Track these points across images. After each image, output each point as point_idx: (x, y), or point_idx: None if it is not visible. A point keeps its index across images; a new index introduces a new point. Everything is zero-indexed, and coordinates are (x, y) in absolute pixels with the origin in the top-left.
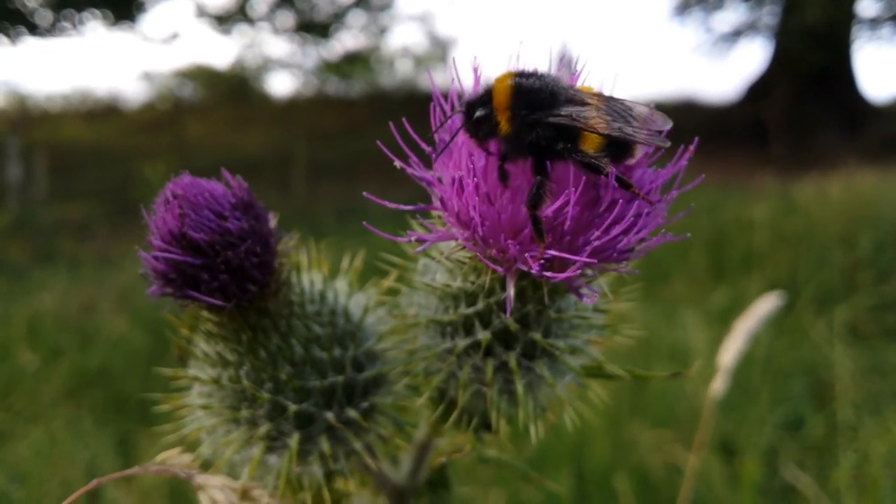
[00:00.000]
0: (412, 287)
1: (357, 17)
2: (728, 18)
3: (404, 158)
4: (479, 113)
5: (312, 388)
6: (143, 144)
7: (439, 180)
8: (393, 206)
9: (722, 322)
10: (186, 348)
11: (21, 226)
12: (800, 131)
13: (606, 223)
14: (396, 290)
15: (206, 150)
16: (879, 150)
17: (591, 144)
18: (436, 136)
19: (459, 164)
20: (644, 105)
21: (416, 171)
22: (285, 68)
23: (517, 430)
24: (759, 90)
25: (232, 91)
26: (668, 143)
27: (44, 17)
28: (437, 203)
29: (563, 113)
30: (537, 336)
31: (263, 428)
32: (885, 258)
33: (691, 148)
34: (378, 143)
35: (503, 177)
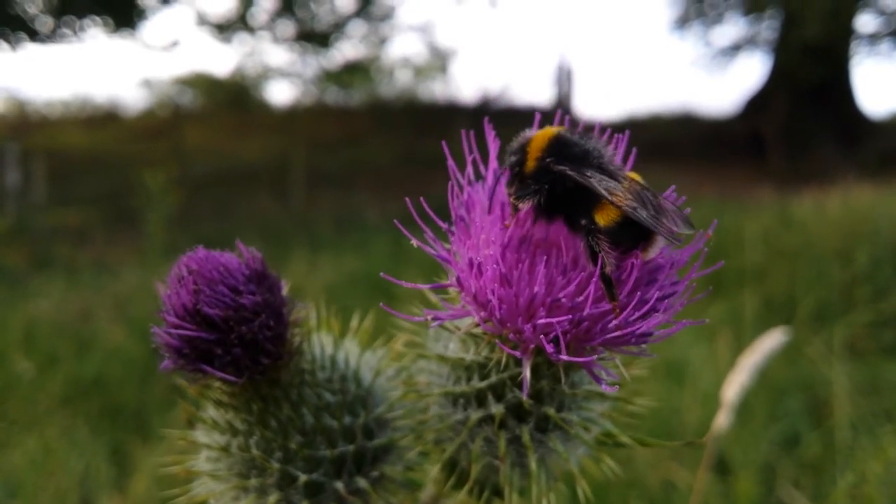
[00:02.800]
0: (423, 353)
1: (357, 27)
2: (727, 33)
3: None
4: (514, 148)
5: (323, 458)
6: (142, 151)
7: (455, 256)
8: (410, 285)
9: (718, 337)
10: (195, 413)
11: (19, 232)
12: (798, 146)
13: (629, 308)
14: (406, 354)
15: (205, 157)
16: (877, 166)
17: (605, 217)
18: (452, 212)
19: (477, 246)
20: (672, 204)
21: (433, 249)
22: (285, 77)
23: (527, 499)
24: (758, 104)
25: (232, 99)
26: (679, 241)
27: (44, 23)
28: (453, 281)
29: (587, 173)
30: (551, 411)
31: (273, 497)
32: (882, 274)
33: (709, 232)
34: (395, 221)
35: (514, 211)
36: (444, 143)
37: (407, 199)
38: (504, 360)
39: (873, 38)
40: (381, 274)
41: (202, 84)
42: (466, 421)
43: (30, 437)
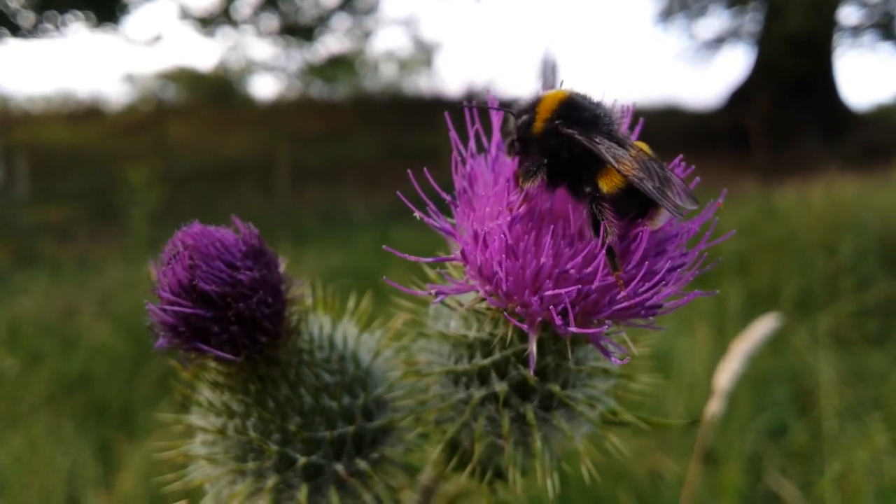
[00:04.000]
0: (423, 331)
1: (341, 21)
2: (711, 25)
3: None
4: (523, 107)
5: (322, 439)
6: (125, 147)
7: (459, 230)
8: (414, 258)
9: (703, 327)
10: (189, 395)
11: (1, 228)
12: (781, 138)
13: (636, 280)
14: (405, 333)
15: (188, 152)
16: (860, 157)
17: (609, 183)
18: (455, 185)
19: (481, 218)
20: (679, 178)
21: (435, 220)
22: (269, 71)
23: (530, 478)
24: (741, 97)
25: (215, 93)
26: (682, 216)
27: (26, 18)
28: (457, 254)
29: (595, 139)
30: (556, 388)
31: (271, 480)
32: (866, 265)
33: (720, 201)
34: (399, 193)
35: (525, 194)
36: (446, 114)
37: (409, 172)
38: (508, 336)
39: (856, 31)
40: (385, 278)
41: (185, 79)
42: (469, 400)
43: (15, 434)
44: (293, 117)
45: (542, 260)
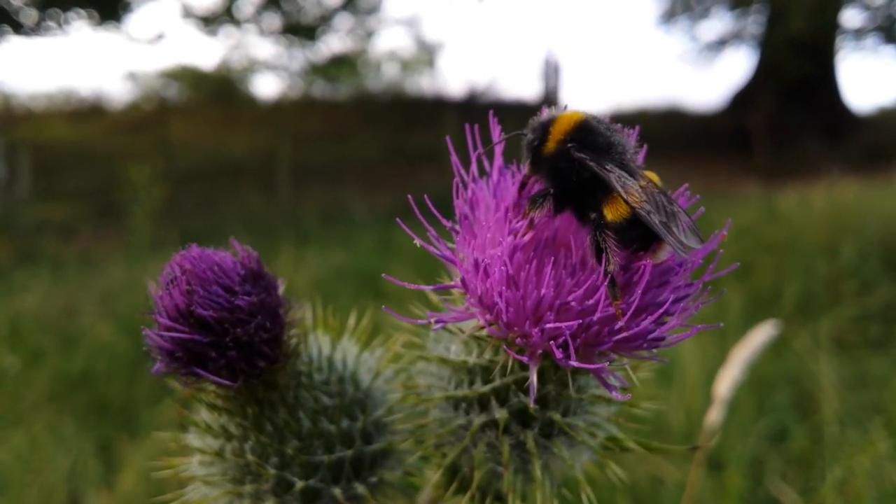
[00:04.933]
0: (424, 355)
1: (344, 20)
2: (713, 27)
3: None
4: (537, 125)
5: (320, 463)
6: (127, 145)
7: (459, 256)
8: (413, 286)
9: (707, 331)
10: (187, 416)
11: (3, 226)
12: (783, 140)
13: (632, 309)
14: (405, 354)
15: (190, 151)
16: (862, 160)
17: (615, 212)
18: (456, 210)
19: (483, 245)
20: (686, 214)
21: (437, 248)
22: (271, 70)
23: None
24: (744, 99)
25: (217, 92)
26: (688, 256)
27: (29, 16)
28: (457, 282)
29: (606, 166)
30: (557, 417)
31: (269, 503)
32: (868, 269)
33: (724, 233)
34: (398, 220)
35: (530, 222)
36: (448, 138)
37: (409, 197)
38: (509, 363)
39: (859, 33)
40: (384, 275)
41: (188, 77)
42: (468, 426)
43: (16, 433)
44: (295, 117)
45: (543, 291)
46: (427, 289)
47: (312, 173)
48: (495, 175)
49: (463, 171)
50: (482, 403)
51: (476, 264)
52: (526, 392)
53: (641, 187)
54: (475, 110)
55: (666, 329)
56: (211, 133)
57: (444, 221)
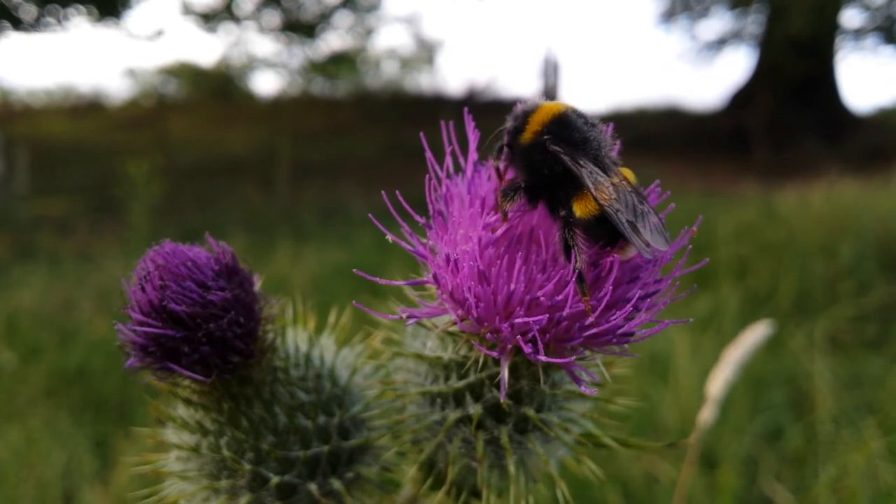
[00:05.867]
0: (401, 351)
1: (343, 18)
2: (713, 27)
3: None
4: (516, 113)
5: (296, 459)
6: (125, 141)
7: (432, 251)
8: (386, 282)
9: (703, 330)
10: (164, 412)
11: (1, 221)
12: (782, 140)
13: (602, 305)
14: (384, 351)
15: (189, 147)
16: (861, 160)
17: (583, 208)
18: (430, 206)
19: (455, 241)
20: (658, 218)
21: (410, 243)
22: (271, 67)
23: (505, 500)
24: (743, 98)
25: (217, 89)
26: (651, 258)
27: (28, 11)
28: (430, 278)
29: (580, 161)
30: (530, 412)
31: (244, 499)
32: (865, 269)
33: (694, 229)
34: (371, 216)
35: (504, 214)
36: (421, 135)
37: (383, 193)
38: (482, 358)
39: (858, 34)
40: (355, 270)
41: (187, 74)
42: (444, 421)
43: (12, 428)
44: (295, 114)
45: (513, 286)
46: (400, 284)
47: (311, 170)
48: (469, 170)
49: (437, 167)
50: (457, 399)
51: (447, 259)
52: (499, 388)
53: (613, 185)
54: (474, 108)
55: (635, 324)
56: (210, 130)
57: (418, 217)
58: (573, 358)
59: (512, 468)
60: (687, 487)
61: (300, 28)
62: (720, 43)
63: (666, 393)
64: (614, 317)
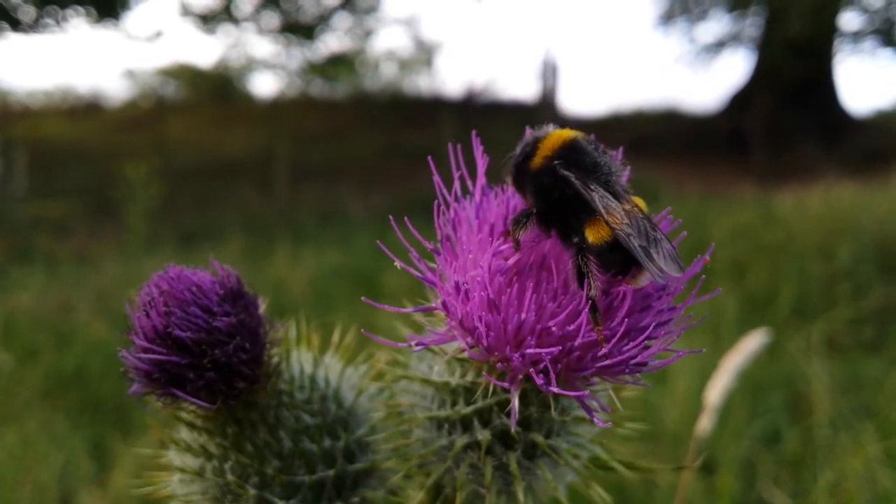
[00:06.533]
0: (407, 374)
1: (342, 20)
2: (712, 29)
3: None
4: (526, 140)
5: (301, 483)
6: (124, 143)
7: (441, 277)
8: (395, 309)
9: (701, 333)
10: (167, 435)
11: None
12: (780, 143)
13: (617, 336)
14: (389, 371)
15: (188, 149)
16: (859, 163)
17: (596, 234)
18: (438, 231)
19: (464, 267)
20: (671, 245)
21: (419, 270)
22: (269, 69)
23: None
24: (741, 101)
25: (215, 90)
26: (664, 282)
27: (27, 13)
28: (438, 304)
29: (590, 186)
30: (539, 439)
31: None
32: (863, 271)
33: (706, 257)
34: (378, 243)
35: (515, 242)
36: (430, 159)
37: (391, 217)
38: (492, 385)
39: (857, 36)
40: (363, 298)
41: (185, 75)
42: (451, 446)
43: (9, 430)
44: (293, 116)
45: (524, 315)
46: (409, 311)
47: (310, 173)
48: (478, 195)
49: (445, 191)
50: (465, 424)
51: (457, 287)
52: (509, 414)
53: (625, 210)
54: (473, 110)
55: (649, 354)
56: (208, 131)
57: (426, 244)
58: (587, 391)
59: (521, 494)
60: (673, 486)
61: (299, 30)
62: (718, 45)
63: (664, 396)
64: (628, 347)
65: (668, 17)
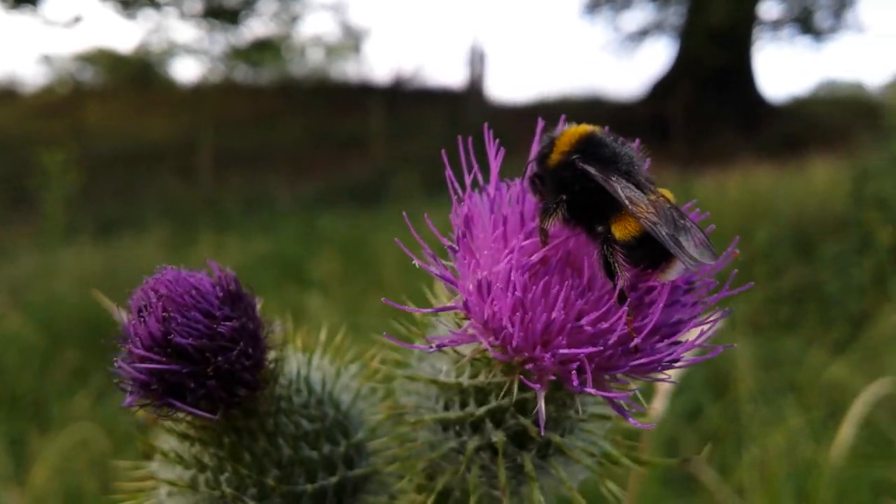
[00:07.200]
0: (413, 375)
1: (268, 4)
2: (635, 18)
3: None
4: (544, 139)
5: (302, 493)
6: (40, 130)
7: (458, 277)
8: (414, 310)
9: None
10: (152, 446)
11: None
12: (701, 129)
13: (647, 329)
14: (384, 372)
15: (108, 136)
16: (776, 148)
17: (623, 230)
18: (455, 228)
19: (487, 265)
20: (703, 234)
21: (436, 268)
22: (192, 54)
23: None
24: (663, 88)
25: (136, 76)
26: (697, 270)
27: None
28: (459, 305)
29: (612, 178)
30: (557, 438)
31: None
32: (780, 253)
33: (736, 251)
34: (397, 240)
35: (543, 233)
36: (443, 152)
37: (404, 214)
38: (514, 385)
39: (776, 25)
40: (384, 299)
41: (105, 60)
42: (462, 449)
43: None
44: (217, 101)
45: (554, 314)
46: (427, 312)
47: (234, 159)
48: (492, 189)
49: (458, 186)
50: (475, 425)
51: (480, 286)
52: (523, 413)
53: (650, 201)
54: (401, 97)
55: (683, 350)
56: (129, 118)
57: (443, 240)
58: (625, 395)
59: (538, 495)
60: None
61: (223, 14)
62: (642, 34)
63: None
64: (662, 343)
65: (593, 6)
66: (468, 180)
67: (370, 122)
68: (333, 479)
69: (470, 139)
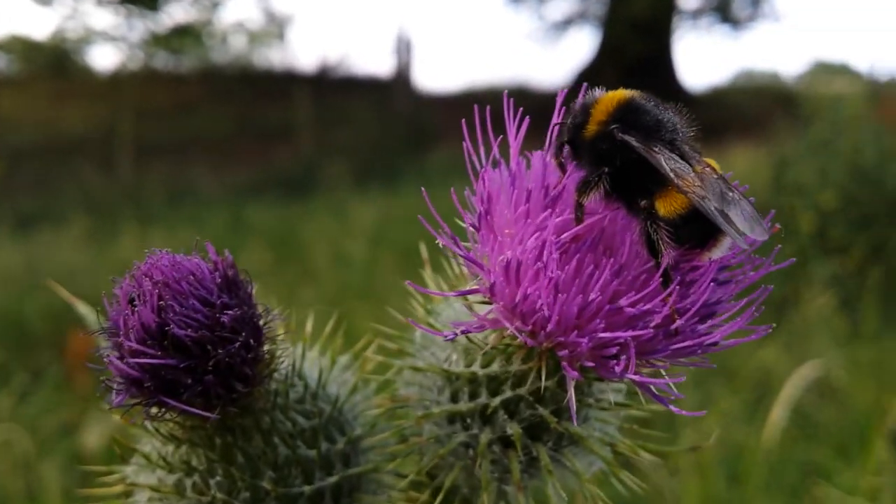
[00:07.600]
0: (422, 367)
1: None
2: (559, 7)
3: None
4: (576, 108)
5: (299, 495)
6: None
7: (481, 258)
8: (436, 293)
9: None
10: (128, 447)
11: None
12: None
13: (693, 310)
14: (383, 363)
15: (22, 127)
16: (696, 136)
17: (668, 206)
18: (475, 205)
19: (511, 245)
20: (751, 206)
21: (459, 249)
22: (109, 41)
23: None
24: (587, 77)
25: (51, 64)
26: (748, 248)
27: None
28: (484, 288)
29: (655, 148)
30: (574, 429)
31: None
32: None
33: (777, 225)
34: (420, 217)
35: (580, 208)
36: (462, 122)
37: (423, 189)
38: (543, 371)
39: (696, 14)
40: (410, 284)
41: (18, 48)
42: (471, 442)
43: None
44: (136, 90)
45: (592, 296)
46: (451, 295)
47: (156, 150)
48: (514, 164)
49: (476, 161)
50: (485, 417)
51: (508, 267)
52: (541, 403)
53: (696, 173)
54: (327, 85)
55: (726, 332)
56: (44, 107)
57: (466, 219)
58: (665, 381)
59: (551, 490)
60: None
61: (141, 0)
62: (566, 23)
63: None
64: (703, 326)
65: None
66: (483, 153)
67: (296, 110)
68: (332, 480)
69: (487, 109)
